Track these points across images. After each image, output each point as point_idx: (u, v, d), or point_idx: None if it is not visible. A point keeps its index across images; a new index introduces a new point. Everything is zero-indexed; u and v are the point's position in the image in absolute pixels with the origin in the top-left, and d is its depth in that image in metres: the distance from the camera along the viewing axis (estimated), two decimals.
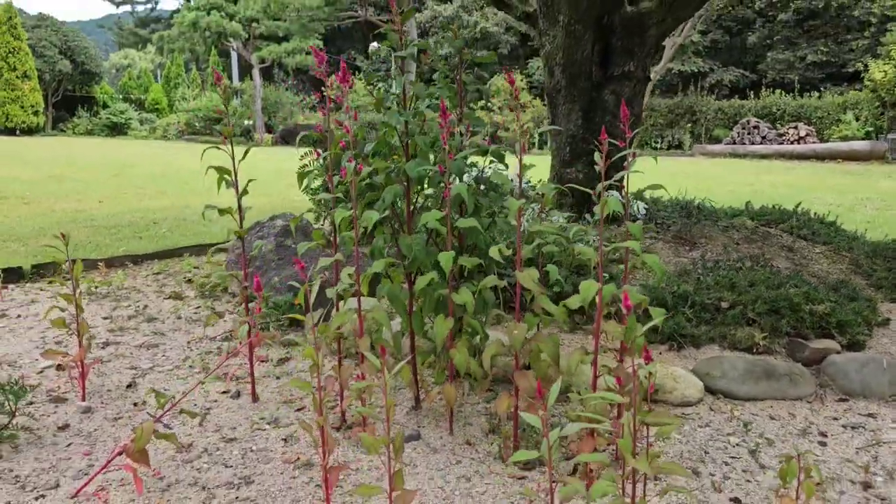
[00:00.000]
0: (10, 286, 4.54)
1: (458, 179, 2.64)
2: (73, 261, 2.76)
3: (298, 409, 2.87)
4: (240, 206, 2.79)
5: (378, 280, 2.90)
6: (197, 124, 30.28)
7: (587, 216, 4.62)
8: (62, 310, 2.85)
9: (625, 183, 2.39)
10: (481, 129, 2.86)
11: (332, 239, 2.74)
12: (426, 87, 2.70)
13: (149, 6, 52.38)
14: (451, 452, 2.53)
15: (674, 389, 2.98)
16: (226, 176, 2.75)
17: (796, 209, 5.38)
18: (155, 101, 36.12)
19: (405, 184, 2.72)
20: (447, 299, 2.56)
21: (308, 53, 29.69)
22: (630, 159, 2.29)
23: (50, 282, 4.59)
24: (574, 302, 2.25)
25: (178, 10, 34.51)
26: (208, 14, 28.29)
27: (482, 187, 2.90)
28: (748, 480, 2.37)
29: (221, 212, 2.73)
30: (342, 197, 2.64)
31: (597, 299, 2.23)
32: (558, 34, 4.58)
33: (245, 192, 2.74)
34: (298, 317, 2.09)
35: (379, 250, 2.71)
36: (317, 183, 4.45)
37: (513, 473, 2.38)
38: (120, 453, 2.19)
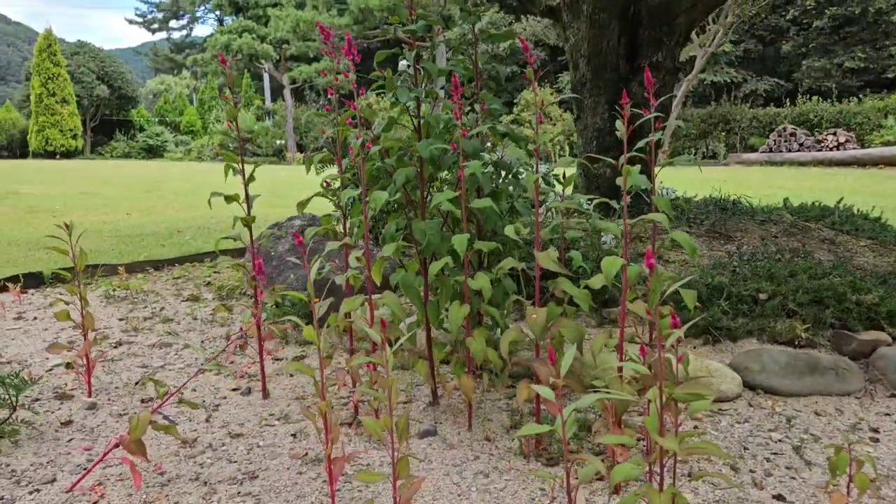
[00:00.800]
0: (31, 291, 4.50)
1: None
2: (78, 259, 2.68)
3: (311, 406, 2.74)
4: (247, 194, 2.69)
5: (393, 271, 2.77)
6: (230, 145, 30.67)
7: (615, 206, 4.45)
8: (66, 302, 2.76)
9: (651, 156, 2.23)
10: (499, 110, 2.73)
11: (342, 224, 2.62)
12: (436, 66, 2.57)
13: (184, 32, 53.67)
14: (469, 448, 2.36)
15: (709, 384, 2.78)
16: (233, 164, 2.66)
17: (837, 205, 5.13)
18: (189, 123, 36.77)
19: (418, 167, 2.59)
20: (464, 286, 2.41)
21: (338, 73, 29.93)
22: (657, 131, 2.13)
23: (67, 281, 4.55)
24: (597, 281, 2.09)
25: (211, 35, 35.28)
26: (240, 37, 28.82)
27: (501, 173, 2.76)
28: (792, 477, 2.17)
29: (228, 199, 2.62)
30: (351, 179, 2.52)
31: (622, 278, 2.07)
32: (583, 25, 4.44)
33: (252, 178, 2.63)
34: (299, 295, 1.96)
35: (391, 236, 2.58)
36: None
37: (534, 469, 2.21)
38: (117, 445, 2.08)
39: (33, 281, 4.58)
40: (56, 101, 28.91)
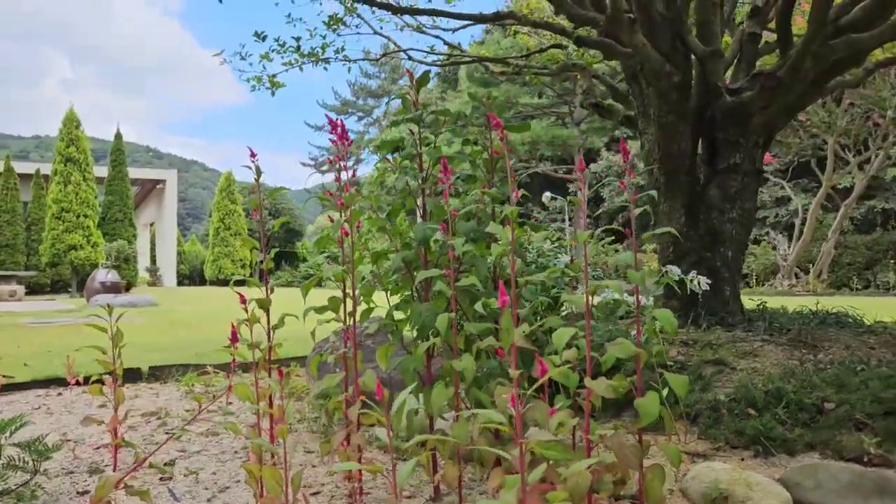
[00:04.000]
0: (127, 385, 4.87)
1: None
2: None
3: (314, 493, 2.69)
4: (266, 277, 2.82)
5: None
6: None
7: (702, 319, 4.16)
8: (102, 384, 2.97)
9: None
10: (500, 196, 2.72)
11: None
12: (434, 150, 2.65)
13: (349, 173, 58.62)
14: None
15: (747, 499, 2.43)
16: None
17: None
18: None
19: (422, 248, 2.62)
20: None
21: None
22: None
23: (162, 381, 4.90)
24: (556, 358, 1.95)
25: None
26: (394, 173, 30.90)
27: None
28: None
29: (248, 283, 2.78)
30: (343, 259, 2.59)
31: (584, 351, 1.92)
32: (652, 128, 4.39)
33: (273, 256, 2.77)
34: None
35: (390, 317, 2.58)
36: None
37: None
38: None
39: (132, 376, 4.96)
40: (230, 234, 32.08)
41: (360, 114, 59.52)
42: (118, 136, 25.37)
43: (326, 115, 2.63)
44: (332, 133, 2.58)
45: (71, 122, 22.89)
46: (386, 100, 58.89)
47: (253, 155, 3.03)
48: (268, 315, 2.91)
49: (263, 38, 6.53)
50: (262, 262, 2.95)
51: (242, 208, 33.48)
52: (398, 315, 2.78)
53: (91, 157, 23.36)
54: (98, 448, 3.29)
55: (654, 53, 4.01)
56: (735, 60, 5.03)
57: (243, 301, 2.18)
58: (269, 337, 2.87)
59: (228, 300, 16.28)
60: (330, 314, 2.74)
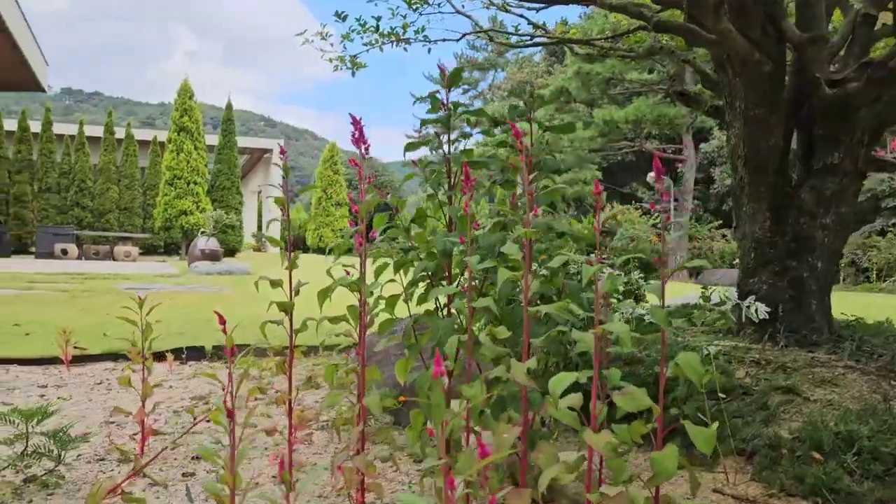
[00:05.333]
0: (191, 363, 4.97)
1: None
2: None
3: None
4: (290, 276, 2.73)
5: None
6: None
7: (780, 337, 3.77)
8: (131, 371, 2.97)
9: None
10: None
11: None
12: (463, 154, 2.44)
13: (455, 146, 58.65)
14: None
15: None
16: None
17: None
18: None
19: (448, 259, 2.43)
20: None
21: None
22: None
23: (224, 361, 4.98)
24: (558, 402, 1.73)
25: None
26: (495, 149, 30.62)
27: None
28: None
29: (273, 284, 2.71)
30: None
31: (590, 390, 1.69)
32: (738, 122, 3.98)
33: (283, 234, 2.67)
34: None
35: (408, 333, 2.43)
36: None
37: None
38: None
39: (196, 354, 5.06)
40: (331, 205, 32.86)
41: (466, 86, 59.21)
42: (229, 106, 26.33)
43: (351, 115, 2.46)
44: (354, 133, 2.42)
45: (185, 92, 23.91)
46: (492, 74, 58.30)
47: (283, 152, 2.93)
48: (290, 318, 2.83)
49: (344, 18, 6.44)
50: (289, 258, 2.87)
51: (345, 178, 34.18)
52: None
53: (202, 126, 24.35)
54: (134, 435, 3.33)
55: (742, 40, 3.60)
56: (846, 45, 4.49)
57: (222, 322, 2.07)
58: (290, 340, 2.80)
59: (321, 271, 16.69)
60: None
